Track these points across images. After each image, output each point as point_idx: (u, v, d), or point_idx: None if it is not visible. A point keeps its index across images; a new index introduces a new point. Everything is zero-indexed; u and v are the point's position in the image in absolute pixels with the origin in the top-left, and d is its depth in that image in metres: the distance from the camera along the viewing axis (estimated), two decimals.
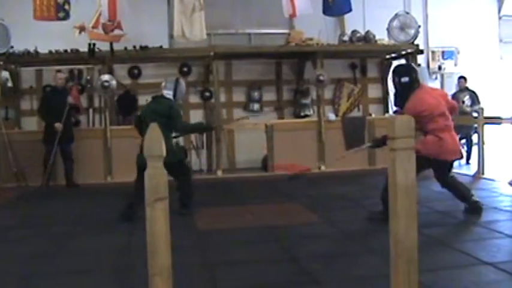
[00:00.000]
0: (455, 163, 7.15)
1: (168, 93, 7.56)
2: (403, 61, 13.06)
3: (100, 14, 10.85)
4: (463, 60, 14.72)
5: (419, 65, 13.01)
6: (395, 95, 11.85)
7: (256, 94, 12.90)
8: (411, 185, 3.16)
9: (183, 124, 7.84)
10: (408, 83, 6.67)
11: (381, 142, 6.90)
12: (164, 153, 3.31)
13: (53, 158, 10.31)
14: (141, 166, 7.03)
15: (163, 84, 7.72)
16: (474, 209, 6.82)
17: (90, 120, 12.35)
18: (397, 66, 7.61)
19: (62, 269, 5.14)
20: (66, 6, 10.79)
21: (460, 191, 6.92)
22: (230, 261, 5.29)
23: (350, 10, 12.18)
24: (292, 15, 11.84)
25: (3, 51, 10.92)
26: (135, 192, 6.91)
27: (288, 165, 8.88)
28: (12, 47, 11.03)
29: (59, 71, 11.12)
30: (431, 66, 14.78)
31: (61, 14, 10.78)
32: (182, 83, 7.85)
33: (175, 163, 7.09)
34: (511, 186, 8.82)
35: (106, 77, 10.98)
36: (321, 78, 11.74)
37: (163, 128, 6.90)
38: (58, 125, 10.13)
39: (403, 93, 6.75)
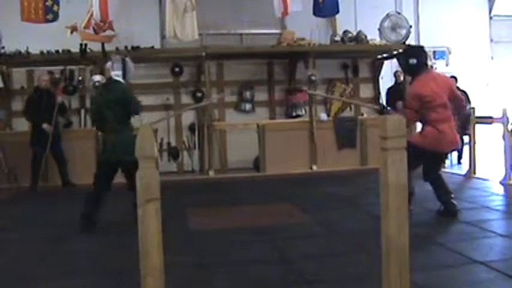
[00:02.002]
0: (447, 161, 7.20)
1: (117, 75, 6.85)
2: (394, 61, 13.11)
3: (91, 15, 10.81)
4: (454, 60, 14.78)
5: None
6: (387, 94, 11.90)
7: (248, 94, 12.90)
8: (402, 185, 3.17)
9: (139, 106, 7.07)
10: (415, 65, 6.64)
11: None
12: (156, 153, 3.29)
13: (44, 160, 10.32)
14: (106, 163, 6.83)
15: (108, 64, 7.03)
16: (449, 212, 6.76)
17: (82, 120, 12.30)
18: (406, 48, 7.56)
19: (55, 271, 5.12)
20: (55, 8, 10.76)
21: (442, 191, 6.88)
22: (222, 261, 5.29)
23: (337, 12, 12.22)
24: (284, 14, 11.83)
25: None
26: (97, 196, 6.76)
27: None
28: (3, 47, 10.99)
29: (50, 72, 11.11)
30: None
31: (49, 16, 10.73)
32: (129, 61, 7.20)
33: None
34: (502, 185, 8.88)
35: (98, 77, 10.92)
36: (313, 78, 11.75)
37: (122, 117, 6.63)
38: (46, 126, 10.11)
39: (410, 75, 6.83)
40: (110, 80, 6.92)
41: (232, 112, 12.94)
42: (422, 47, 6.87)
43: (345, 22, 13.16)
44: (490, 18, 15.56)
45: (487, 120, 10.29)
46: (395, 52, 12.56)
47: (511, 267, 4.60)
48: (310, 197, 8.85)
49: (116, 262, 5.35)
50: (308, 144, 11.76)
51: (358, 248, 5.57)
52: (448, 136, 6.59)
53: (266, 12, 12.15)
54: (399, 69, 12.95)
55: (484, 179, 9.68)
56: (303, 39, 12.14)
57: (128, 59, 7.07)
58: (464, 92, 12.30)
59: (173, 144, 12.28)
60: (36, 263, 5.38)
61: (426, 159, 6.71)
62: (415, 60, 6.60)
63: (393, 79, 13.05)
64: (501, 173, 9.28)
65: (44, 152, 10.21)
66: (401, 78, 12.75)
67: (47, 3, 10.69)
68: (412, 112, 6.53)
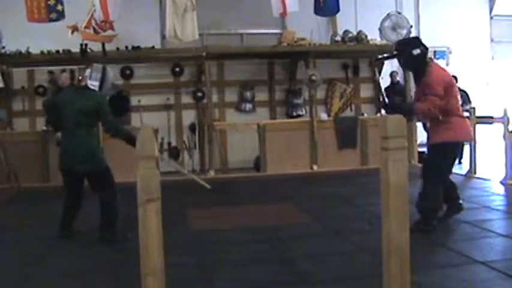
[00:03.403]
0: None
1: (93, 85, 6.38)
2: (395, 61, 13.09)
3: (92, 15, 10.81)
4: (454, 60, 14.80)
5: None
6: (387, 93, 11.74)
7: (248, 94, 12.89)
8: (403, 185, 3.17)
9: (114, 124, 6.51)
10: (421, 55, 6.13)
11: None
12: (156, 153, 3.29)
13: None
14: (68, 171, 6.38)
15: (87, 72, 6.48)
16: (457, 209, 6.53)
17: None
18: (403, 41, 7.04)
19: (55, 271, 5.12)
20: (59, 7, 10.75)
21: (454, 191, 6.58)
22: (224, 261, 5.29)
23: (338, 11, 12.21)
24: (283, 14, 11.82)
25: None
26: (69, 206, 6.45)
27: None
28: (3, 47, 10.99)
29: (63, 70, 11.07)
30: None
31: (53, 15, 10.73)
32: (110, 72, 6.71)
33: (99, 172, 6.29)
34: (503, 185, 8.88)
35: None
36: (313, 78, 11.74)
37: (89, 128, 6.32)
38: (58, 136, 9.78)
39: (416, 68, 6.26)
40: (85, 87, 6.40)
41: (232, 112, 12.94)
42: (418, 37, 6.47)
43: (346, 22, 13.17)
44: (491, 18, 15.58)
45: (488, 120, 10.28)
46: (394, 53, 12.55)
47: (511, 267, 4.60)
48: (311, 197, 8.85)
49: (116, 262, 5.35)
50: (308, 144, 11.75)
51: (359, 248, 5.57)
52: (467, 121, 6.41)
53: (266, 12, 12.14)
54: (395, 69, 13.04)
55: (484, 179, 9.68)
56: (303, 39, 12.13)
57: (108, 70, 6.70)
58: (464, 91, 12.31)
59: (174, 144, 12.29)
60: (36, 263, 5.38)
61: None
62: (418, 50, 6.13)
63: (390, 79, 13.10)
64: (502, 173, 9.27)
65: None
66: (397, 78, 12.83)
67: (49, 2, 10.68)
68: (438, 99, 5.96)
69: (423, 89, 6.14)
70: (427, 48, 6.28)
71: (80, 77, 6.63)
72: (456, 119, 6.15)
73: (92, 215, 7.50)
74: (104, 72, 6.52)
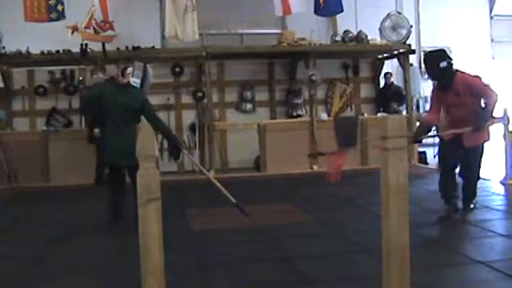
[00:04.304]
0: None
1: (136, 82, 6.73)
2: (395, 61, 13.11)
3: (92, 14, 10.81)
4: (454, 60, 14.75)
5: (411, 64, 13.06)
6: (378, 96, 11.69)
7: (248, 94, 12.90)
8: (403, 185, 3.17)
9: (157, 118, 6.87)
10: (447, 67, 6.57)
11: None
12: (156, 152, 3.29)
13: None
14: (113, 165, 6.72)
15: (129, 69, 6.72)
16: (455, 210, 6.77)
17: (83, 120, 12.27)
18: (429, 52, 7.25)
19: (54, 271, 5.11)
20: (59, 7, 10.75)
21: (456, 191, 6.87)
22: (224, 261, 5.29)
23: (341, 10, 12.19)
24: (286, 13, 11.80)
25: None
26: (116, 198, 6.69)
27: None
28: (3, 47, 10.99)
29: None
30: (423, 65, 14.80)
31: (53, 15, 10.74)
32: (150, 70, 6.84)
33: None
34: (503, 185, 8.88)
35: (101, 76, 10.92)
36: (313, 78, 11.75)
37: (134, 123, 6.52)
38: (97, 131, 9.55)
39: (444, 79, 6.64)
40: (128, 84, 6.68)
41: (233, 112, 12.95)
42: (443, 50, 6.86)
43: (346, 22, 13.15)
44: (491, 18, 15.55)
45: None
46: (395, 52, 12.57)
47: (511, 267, 4.60)
48: (311, 197, 8.84)
49: (116, 262, 5.35)
50: (308, 144, 11.75)
51: (359, 248, 5.57)
52: None
53: (266, 12, 12.15)
54: (390, 71, 13.06)
55: (484, 179, 9.65)
56: (303, 39, 12.14)
57: (149, 68, 6.86)
58: None
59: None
60: (36, 263, 5.38)
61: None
62: (445, 62, 6.57)
63: (384, 81, 13.11)
64: (502, 173, 9.27)
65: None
66: (391, 79, 12.84)
67: (50, 2, 10.69)
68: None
69: (463, 92, 6.54)
70: (452, 59, 6.72)
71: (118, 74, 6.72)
72: None
73: (92, 215, 7.52)
74: (145, 70, 6.67)
